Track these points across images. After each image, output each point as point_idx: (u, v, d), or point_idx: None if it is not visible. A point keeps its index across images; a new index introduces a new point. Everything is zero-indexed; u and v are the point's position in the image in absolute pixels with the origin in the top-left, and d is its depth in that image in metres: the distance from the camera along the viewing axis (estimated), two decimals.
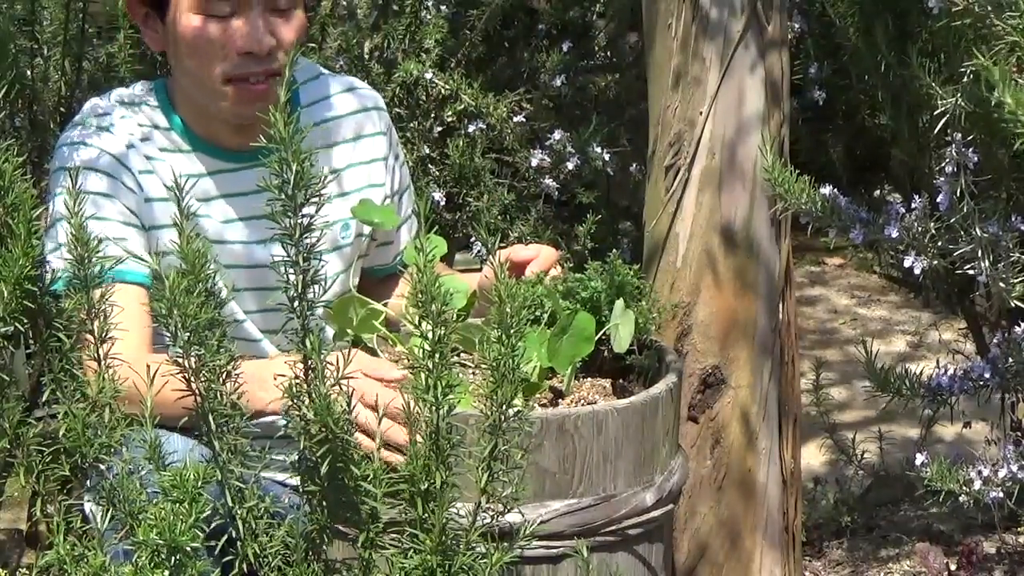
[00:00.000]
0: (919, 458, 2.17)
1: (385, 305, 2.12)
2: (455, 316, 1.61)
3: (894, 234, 2.11)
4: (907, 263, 2.11)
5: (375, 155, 2.29)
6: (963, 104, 2.04)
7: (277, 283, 2.19)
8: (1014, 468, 2.11)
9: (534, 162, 3.37)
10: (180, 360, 1.64)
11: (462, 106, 3.31)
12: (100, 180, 2.10)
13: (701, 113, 2.38)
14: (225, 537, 1.69)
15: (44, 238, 2.03)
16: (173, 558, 1.46)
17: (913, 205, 2.12)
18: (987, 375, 2.18)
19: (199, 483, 1.50)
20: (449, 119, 3.34)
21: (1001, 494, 2.11)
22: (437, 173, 3.35)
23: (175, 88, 2.19)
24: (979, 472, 2.12)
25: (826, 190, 2.18)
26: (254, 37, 2.07)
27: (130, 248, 2.04)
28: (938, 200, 2.08)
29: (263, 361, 2.03)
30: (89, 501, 1.66)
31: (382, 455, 1.74)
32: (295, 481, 1.73)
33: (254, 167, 2.17)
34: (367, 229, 2.29)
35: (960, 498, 2.13)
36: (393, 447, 1.77)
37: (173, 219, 2.12)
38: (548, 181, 3.39)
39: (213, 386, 1.65)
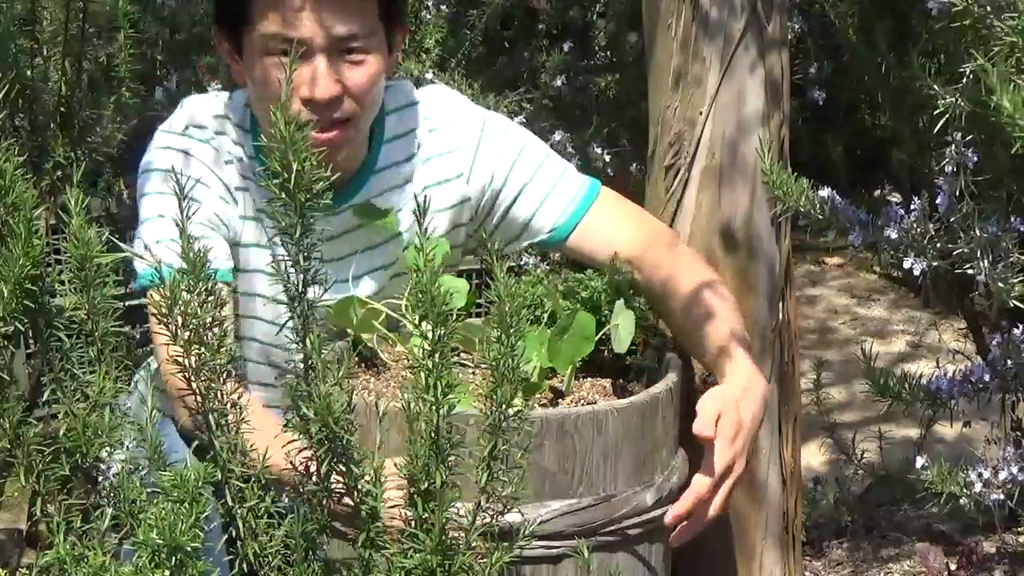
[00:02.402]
0: (919, 461, 2.17)
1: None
2: (455, 316, 1.61)
3: (893, 236, 2.11)
4: (907, 264, 2.11)
5: (447, 175, 2.23)
6: (963, 104, 2.04)
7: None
8: (1014, 470, 2.11)
9: None
10: (180, 359, 1.65)
11: None
12: (192, 186, 2.10)
13: (701, 113, 2.38)
14: (225, 537, 1.69)
15: (138, 234, 2.05)
16: (174, 558, 1.46)
17: (912, 206, 2.12)
18: (987, 377, 2.18)
19: (200, 483, 1.50)
20: None
21: (1002, 496, 2.11)
22: None
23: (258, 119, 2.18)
24: (979, 475, 2.12)
25: (825, 192, 2.18)
26: (315, 84, 2.04)
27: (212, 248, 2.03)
28: (937, 201, 2.08)
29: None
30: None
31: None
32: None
33: (334, 215, 2.15)
34: (461, 239, 2.27)
35: (961, 500, 2.13)
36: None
37: (260, 241, 2.13)
38: None
39: (213, 385, 1.66)
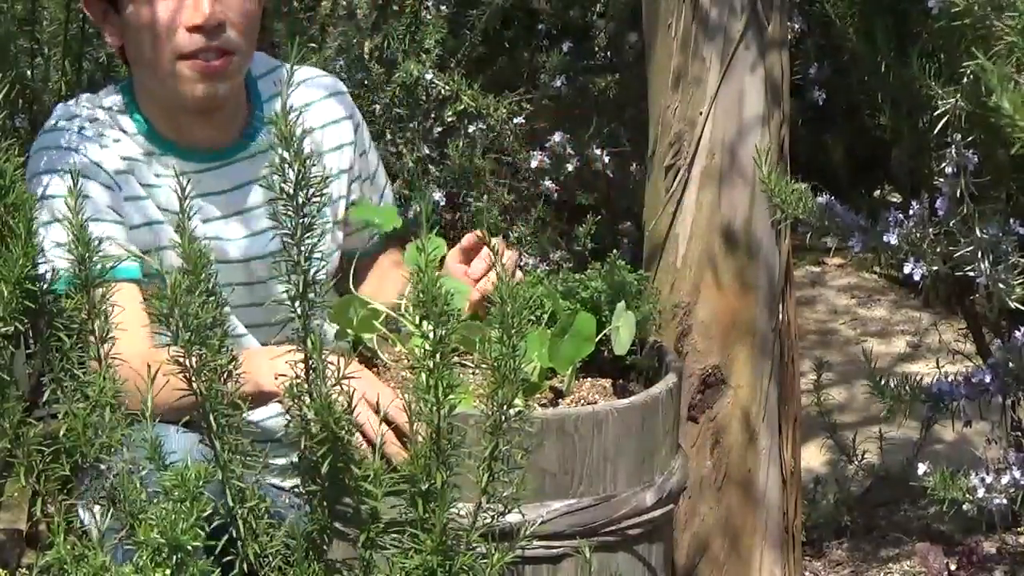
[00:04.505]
0: (920, 467, 2.16)
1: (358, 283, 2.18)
2: (456, 316, 1.61)
3: (893, 240, 2.10)
4: (907, 269, 2.11)
5: (342, 140, 2.30)
6: (963, 105, 2.04)
7: (262, 277, 2.19)
8: (1017, 474, 2.10)
9: (534, 163, 3.37)
10: (181, 359, 1.64)
11: (462, 106, 3.31)
12: (84, 183, 2.10)
13: (701, 113, 2.38)
14: (226, 537, 1.69)
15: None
16: (175, 557, 1.46)
17: (912, 211, 2.12)
18: (987, 380, 2.18)
19: (200, 482, 1.50)
20: (449, 119, 3.34)
21: (1005, 501, 2.11)
22: (437, 173, 3.35)
23: (139, 88, 2.20)
24: (982, 479, 2.11)
25: (823, 199, 2.17)
26: (198, 9, 2.08)
27: (123, 246, 2.05)
28: (937, 204, 2.08)
29: (259, 349, 2.05)
30: (86, 507, 1.66)
31: (386, 449, 1.75)
32: (289, 484, 1.73)
33: (226, 165, 2.20)
34: (341, 213, 2.30)
35: (964, 506, 2.13)
36: (393, 444, 1.79)
37: (155, 217, 2.14)
38: (548, 183, 3.40)
39: (214, 385, 1.65)
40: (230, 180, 2.20)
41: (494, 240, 1.82)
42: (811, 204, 2.16)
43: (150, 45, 2.11)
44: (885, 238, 2.11)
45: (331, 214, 2.28)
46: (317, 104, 2.29)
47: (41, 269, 1.75)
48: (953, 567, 2.74)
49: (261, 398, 1.87)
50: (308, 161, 1.56)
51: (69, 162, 2.11)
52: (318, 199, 1.57)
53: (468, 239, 2.18)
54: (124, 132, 2.18)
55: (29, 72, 2.76)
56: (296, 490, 1.70)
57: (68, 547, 1.55)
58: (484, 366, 1.94)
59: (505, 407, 1.61)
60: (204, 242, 2.14)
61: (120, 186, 2.14)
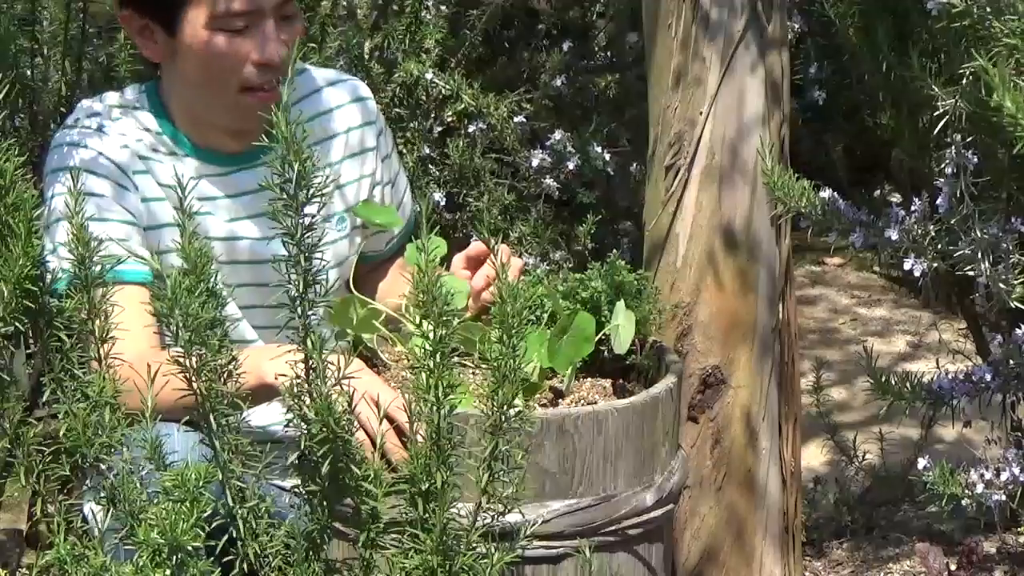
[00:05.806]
0: (921, 462, 2.17)
1: (375, 292, 2.17)
2: (456, 316, 1.60)
3: (894, 237, 2.11)
4: (907, 266, 2.11)
5: (365, 145, 2.30)
6: (963, 105, 2.04)
7: (273, 281, 2.20)
8: (1016, 471, 2.11)
9: (534, 162, 3.37)
10: (181, 359, 1.64)
11: (462, 106, 3.32)
12: (98, 181, 2.11)
13: (701, 113, 2.38)
14: (225, 537, 1.69)
15: (43, 238, 2.05)
16: (175, 557, 1.46)
17: (913, 208, 2.12)
18: (988, 377, 2.18)
19: (201, 483, 1.50)
20: (449, 119, 3.35)
21: (1003, 497, 2.11)
22: (437, 173, 3.35)
23: (169, 94, 2.20)
24: (981, 475, 2.11)
25: (826, 193, 2.18)
26: (271, 48, 2.09)
27: (132, 248, 2.05)
28: (938, 202, 2.09)
29: (260, 347, 2.05)
30: (89, 501, 1.66)
31: (386, 447, 1.75)
32: (290, 484, 1.73)
33: (250, 168, 2.19)
34: (360, 221, 2.30)
35: (963, 502, 2.13)
36: (393, 442, 1.80)
37: (172, 218, 2.14)
38: (548, 181, 3.40)
39: (215, 386, 1.65)
40: (251, 183, 2.19)
41: (500, 248, 1.80)
42: (813, 198, 2.16)
43: (211, 75, 2.11)
44: (887, 234, 2.12)
45: (350, 220, 2.28)
46: (341, 109, 2.28)
47: (51, 267, 1.76)
48: (953, 567, 2.74)
49: (263, 392, 1.87)
50: (308, 160, 1.55)
51: (82, 159, 2.12)
52: (319, 199, 1.57)
53: (475, 248, 2.17)
54: (147, 131, 2.18)
55: (29, 72, 2.76)
56: (296, 490, 1.70)
57: (68, 547, 1.55)
58: (484, 366, 1.94)
59: (505, 407, 1.60)
60: (219, 243, 2.16)
61: (137, 186, 2.14)
